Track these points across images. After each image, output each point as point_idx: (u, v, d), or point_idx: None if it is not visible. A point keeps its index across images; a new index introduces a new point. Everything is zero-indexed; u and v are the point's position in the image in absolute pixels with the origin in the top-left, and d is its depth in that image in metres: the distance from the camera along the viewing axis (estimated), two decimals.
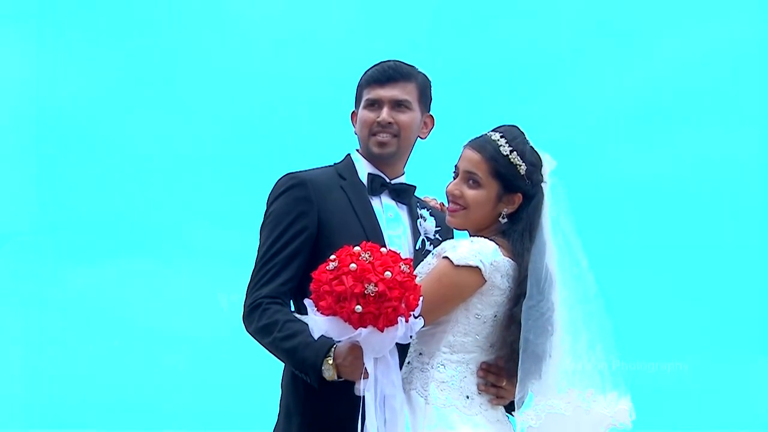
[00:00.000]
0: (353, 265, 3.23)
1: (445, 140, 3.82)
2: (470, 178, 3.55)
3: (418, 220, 3.75)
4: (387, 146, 3.71)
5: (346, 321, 3.26)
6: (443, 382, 3.49)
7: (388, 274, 3.22)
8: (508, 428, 3.54)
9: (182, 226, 8.27)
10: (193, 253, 7.28)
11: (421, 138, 3.79)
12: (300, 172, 3.71)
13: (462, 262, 3.45)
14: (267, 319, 3.54)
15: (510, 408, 3.56)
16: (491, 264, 3.47)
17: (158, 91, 8.56)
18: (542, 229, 3.54)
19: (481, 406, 3.50)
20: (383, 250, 3.30)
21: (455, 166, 3.59)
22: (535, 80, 6.24)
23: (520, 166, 3.54)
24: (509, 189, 3.55)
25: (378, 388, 3.36)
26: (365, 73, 3.77)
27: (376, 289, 3.21)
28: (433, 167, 3.84)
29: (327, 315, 3.28)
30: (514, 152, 3.55)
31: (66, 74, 9.75)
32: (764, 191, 6.24)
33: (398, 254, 3.31)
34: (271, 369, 3.74)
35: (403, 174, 3.79)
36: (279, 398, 3.72)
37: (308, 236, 3.62)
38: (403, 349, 3.49)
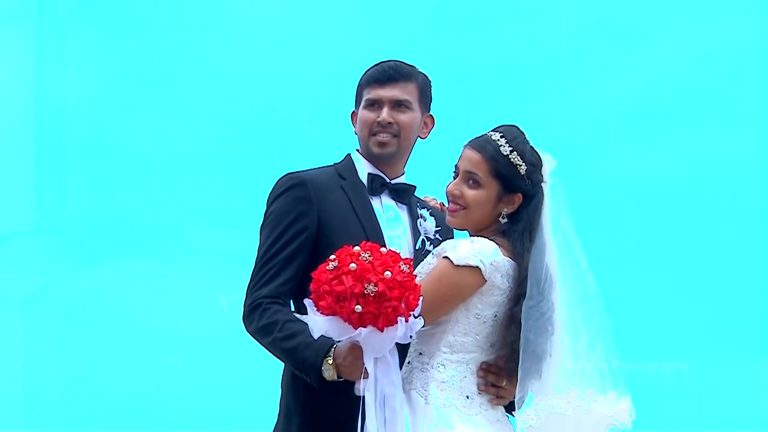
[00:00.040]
0: (353, 265, 3.23)
1: (445, 140, 3.82)
2: (470, 178, 3.55)
3: (418, 220, 3.75)
4: (387, 146, 3.71)
5: (346, 321, 3.26)
6: (443, 382, 3.49)
7: (387, 273, 3.22)
8: (508, 428, 3.54)
9: (182, 226, 8.27)
10: (193, 253, 7.28)
11: (421, 138, 3.80)
12: (300, 172, 3.71)
13: (462, 262, 3.45)
14: (267, 319, 3.54)
15: (510, 408, 3.56)
16: (491, 264, 3.47)
17: (158, 91, 8.55)
18: (542, 229, 3.54)
19: (481, 406, 3.50)
20: (383, 250, 3.30)
21: (455, 166, 3.60)
22: (535, 80, 6.24)
23: (520, 166, 3.54)
24: (509, 189, 3.55)
25: (378, 388, 3.36)
26: (365, 73, 3.77)
27: (376, 289, 3.21)
28: (433, 167, 3.84)
29: (327, 315, 3.28)
30: (514, 152, 3.55)
31: (66, 74, 9.75)
32: (764, 191, 6.24)
33: (398, 254, 3.31)
34: (271, 369, 3.74)
35: (403, 174, 3.79)
36: (279, 398, 3.71)
37: (308, 236, 3.62)
38: (403, 349, 3.50)
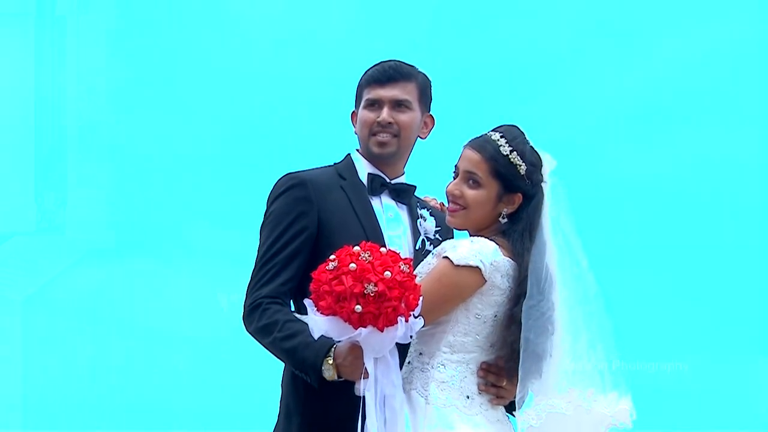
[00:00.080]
0: (353, 265, 3.23)
1: (445, 140, 3.82)
2: (470, 178, 3.55)
3: (418, 220, 3.75)
4: (387, 146, 3.71)
5: (345, 321, 3.26)
6: (443, 382, 3.49)
7: (387, 273, 3.22)
8: (509, 428, 3.55)
9: (182, 226, 8.26)
10: (193, 253, 7.28)
11: (421, 138, 3.79)
12: (300, 172, 3.71)
13: (462, 262, 3.45)
14: (267, 319, 3.54)
15: (510, 408, 3.56)
16: (491, 264, 3.47)
17: (158, 92, 8.55)
18: (542, 228, 3.54)
19: (482, 406, 3.50)
20: (383, 250, 3.30)
21: (455, 166, 3.60)
22: (535, 80, 6.24)
23: (520, 166, 3.54)
24: (509, 189, 3.55)
25: (378, 388, 3.36)
26: (365, 73, 3.77)
27: (376, 288, 3.21)
28: (433, 167, 3.84)
29: (327, 315, 3.28)
30: (514, 152, 3.55)
31: (66, 74, 9.75)
32: (764, 191, 6.24)
33: (398, 254, 3.31)
34: (271, 369, 3.74)
35: (403, 174, 3.79)
36: (279, 398, 3.71)
37: (308, 236, 3.62)
38: (403, 349, 3.50)
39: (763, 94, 6.23)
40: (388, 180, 3.74)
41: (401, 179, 3.77)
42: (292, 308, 3.64)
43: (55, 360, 8.69)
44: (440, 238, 3.73)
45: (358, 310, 3.22)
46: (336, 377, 3.40)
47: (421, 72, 3.77)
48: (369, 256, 3.25)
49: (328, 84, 6.72)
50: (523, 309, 3.46)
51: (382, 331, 3.26)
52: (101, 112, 9.16)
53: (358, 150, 3.78)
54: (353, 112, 3.79)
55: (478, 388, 3.51)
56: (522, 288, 3.49)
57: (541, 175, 3.57)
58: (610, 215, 6.01)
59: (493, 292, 3.49)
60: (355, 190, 3.70)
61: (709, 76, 6.14)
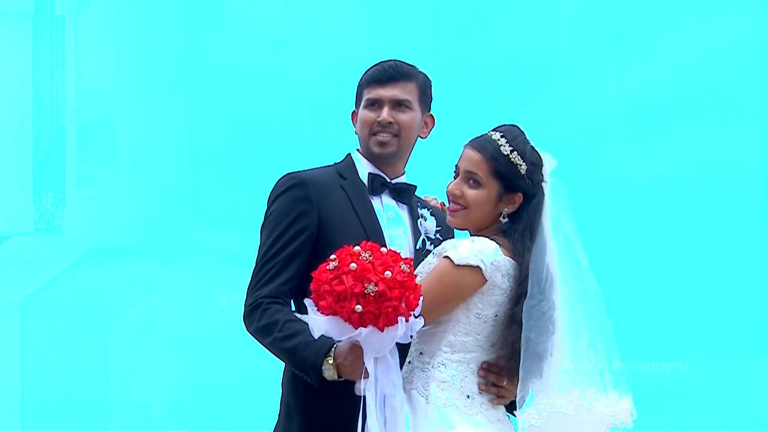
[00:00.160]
0: (353, 265, 3.23)
1: (445, 140, 3.82)
2: (471, 178, 3.55)
3: (419, 220, 3.75)
4: (387, 146, 3.71)
5: (346, 321, 3.26)
6: (444, 381, 3.49)
7: (388, 273, 3.22)
8: (509, 428, 3.55)
9: (182, 226, 8.27)
10: (193, 253, 7.28)
11: (421, 138, 3.79)
12: (300, 172, 3.71)
13: (463, 262, 3.45)
14: (267, 318, 3.54)
15: (511, 407, 3.56)
16: (492, 263, 3.47)
17: (158, 92, 8.55)
18: (543, 228, 3.54)
19: (482, 406, 3.50)
20: (383, 249, 3.30)
21: (456, 165, 3.60)
22: (535, 80, 6.24)
23: (521, 165, 3.54)
24: (510, 189, 3.55)
25: (378, 388, 3.36)
26: (366, 72, 3.77)
27: (376, 288, 3.21)
28: (433, 167, 3.84)
29: (327, 315, 3.28)
30: (515, 152, 3.55)
31: (64, 75, 9.75)
32: (764, 191, 6.24)
33: (398, 254, 3.31)
34: (271, 369, 3.74)
35: (403, 174, 3.78)
36: (279, 398, 3.71)
37: (308, 236, 3.62)
38: (403, 349, 3.49)
39: (763, 94, 6.23)
40: (388, 180, 3.74)
41: (402, 179, 3.77)
42: (293, 308, 3.64)
43: (53, 360, 8.69)
44: (441, 238, 3.72)
45: (359, 310, 3.22)
46: (336, 377, 3.40)
47: (421, 72, 3.77)
48: (369, 255, 3.25)
49: (328, 84, 6.73)
50: (523, 308, 3.46)
51: (382, 331, 3.26)
52: (100, 112, 9.16)
53: (358, 150, 3.78)
54: (353, 111, 3.79)
55: (479, 388, 3.51)
56: (523, 287, 3.49)
57: (542, 175, 3.57)
58: (610, 215, 6.01)
59: (494, 291, 3.49)
60: (355, 190, 3.70)
61: (709, 76, 6.13)
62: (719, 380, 6.07)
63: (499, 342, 3.52)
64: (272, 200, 3.69)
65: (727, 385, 6.06)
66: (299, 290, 3.58)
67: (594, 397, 3.46)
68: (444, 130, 3.80)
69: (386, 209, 3.72)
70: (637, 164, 6.14)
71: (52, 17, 11.17)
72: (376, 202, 3.72)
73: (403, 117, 3.70)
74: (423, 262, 3.56)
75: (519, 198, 3.55)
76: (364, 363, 3.34)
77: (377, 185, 3.72)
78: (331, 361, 3.39)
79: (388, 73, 3.71)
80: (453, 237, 3.73)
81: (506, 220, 3.56)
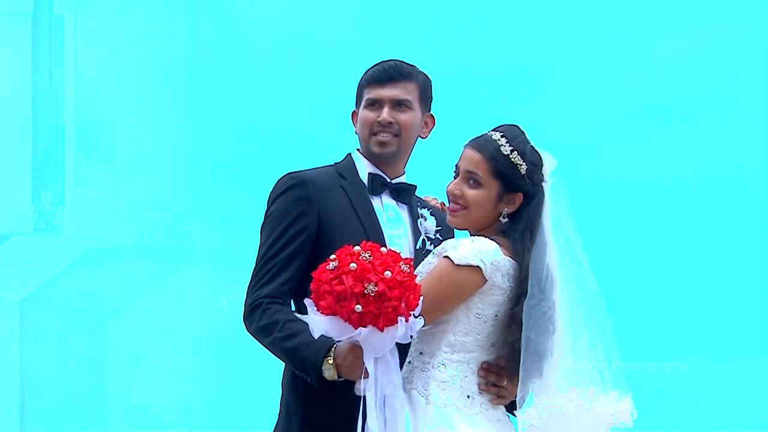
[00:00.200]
0: (353, 265, 3.23)
1: (445, 140, 3.82)
2: (471, 178, 3.55)
3: (419, 220, 3.75)
4: (387, 146, 3.71)
5: (346, 321, 3.26)
6: (444, 381, 3.49)
7: (388, 273, 3.22)
8: (509, 428, 3.55)
9: (182, 227, 8.26)
10: (193, 253, 7.28)
11: (421, 138, 3.79)
12: (300, 171, 3.71)
13: (463, 262, 3.45)
14: (267, 318, 3.54)
15: (511, 407, 3.56)
16: (492, 263, 3.47)
17: (157, 92, 8.55)
18: (543, 228, 3.54)
19: (482, 406, 3.50)
20: (383, 249, 3.30)
21: (456, 165, 3.60)
22: (535, 80, 6.24)
23: (521, 165, 3.54)
24: (510, 188, 3.55)
25: (378, 388, 3.36)
26: (366, 72, 3.77)
27: (376, 288, 3.21)
28: (433, 167, 3.84)
29: (327, 315, 3.28)
30: (515, 152, 3.55)
31: (65, 74, 9.75)
32: (764, 191, 6.23)
33: (398, 254, 3.31)
34: (271, 369, 3.74)
35: (403, 174, 3.78)
36: (279, 398, 3.71)
37: (308, 236, 3.62)
38: (403, 349, 3.49)
39: (763, 94, 6.23)
40: (388, 180, 3.74)
41: (402, 179, 3.77)
42: (293, 308, 3.64)
43: (52, 360, 8.68)
44: (441, 238, 3.72)
45: (359, 310, 3.22)
46: (336, 377, 3.40)
47: (421, 72, 3.77)
48: (369, 255, 3.25)
49: (328, 84, 6.73)
50: (524, 308, 3.46)
51: (382, 331, 3.26)
52: (100, 111, 9.15)
53: (358, 150, 3.78)
54: (354, 111, 3.79)
55: (479, 388, 3.51)
56: (523, 287, 3.49)
57: (542, 175, 3.57)
58: (610, 215, 6.01)
59: (494, 291, 3.49)
60: (355, 190, 3.70)
61: (709, 76, 6.13)
62: (719, 380, 6.07)
63: (499, 342, 3.52)
64: (272, 200, 3.69)
65: (727, 385, 6.06)
66: (299, 290, 3.58)
67: (594, 397, 3.46)
68: (444, 130, 3.80)
69: (386, 209, 3.72)
70: (637, 164, 6.14)
71: (51, 16, 11.16)
72: (376, 202, 3.72)
73: (404, 117, 3.70)
74: (423, 262, 3.56)
75: (519, 198, 3.55)
76: (364, 363, 3.34)
77: (377, 185, 3.72)
78: (331, 361, 3.39)
79: (389, 73, 3.71)
80: (453, 237, 3.73)
81: (506, 220, 3.56)
